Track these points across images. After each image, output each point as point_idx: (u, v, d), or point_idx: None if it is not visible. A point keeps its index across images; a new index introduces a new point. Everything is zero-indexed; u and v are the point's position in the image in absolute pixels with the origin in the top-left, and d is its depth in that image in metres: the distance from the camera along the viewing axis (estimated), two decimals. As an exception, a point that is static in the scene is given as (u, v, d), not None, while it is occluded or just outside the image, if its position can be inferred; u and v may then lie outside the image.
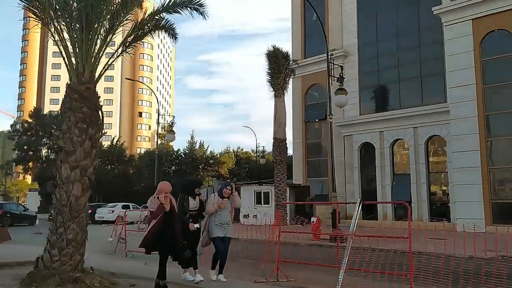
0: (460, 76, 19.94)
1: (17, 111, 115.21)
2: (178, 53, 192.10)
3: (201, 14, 9.66)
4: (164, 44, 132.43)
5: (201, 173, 62.39)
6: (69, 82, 8.24)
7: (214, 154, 65.43)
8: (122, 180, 51.96)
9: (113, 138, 58.86)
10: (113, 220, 30.57)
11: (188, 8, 9.60)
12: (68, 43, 8.26)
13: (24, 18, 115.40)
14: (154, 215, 6.30)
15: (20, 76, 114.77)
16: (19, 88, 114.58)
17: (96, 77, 8.58)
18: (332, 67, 16.99)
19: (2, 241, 17.07)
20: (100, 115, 8.32)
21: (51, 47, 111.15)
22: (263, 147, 45.86)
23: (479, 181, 18.92)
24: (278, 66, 23.21)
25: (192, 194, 7.21)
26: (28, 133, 48.12)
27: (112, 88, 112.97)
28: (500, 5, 18.97)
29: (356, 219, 6.84)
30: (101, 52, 8.54)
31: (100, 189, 50.12)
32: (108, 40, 8.68)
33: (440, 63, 22.58)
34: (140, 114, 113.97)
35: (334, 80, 16.45)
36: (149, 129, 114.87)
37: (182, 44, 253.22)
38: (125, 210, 26.16)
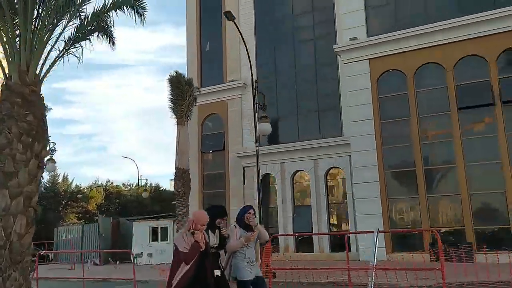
0: (358, 112, 21.26)
1: None
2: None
3: (141, 17, 8.58)
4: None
5: (65, 209, 56.10)
6: (7, 82, 6.24)
7: (81, 188, 59.60)
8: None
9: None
10: None
11: (131, 8, 8.38)
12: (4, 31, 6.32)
13: None
14: (187, 258, 4.56)
15: None
16: None
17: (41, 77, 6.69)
18: (255, 94, 16.54)
19: None
20: (45, 126, 6.45)
21: None
22: (146, 179, 42.60)
23: (379, 211, 20.04)
24: (182, 92, 22.01)
25: (212, 227, 5.33)
26: None
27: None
28: (393, 47, 20.93)
29: (376, 251, 6.19)
30: (50, 47, 6.72)
31: None
32: (57, 33, 6.92)
33: (337, 98, 23.93)
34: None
35: (258, 108, 15.96)
36: None
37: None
38: None
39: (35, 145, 6.05)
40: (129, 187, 70.40)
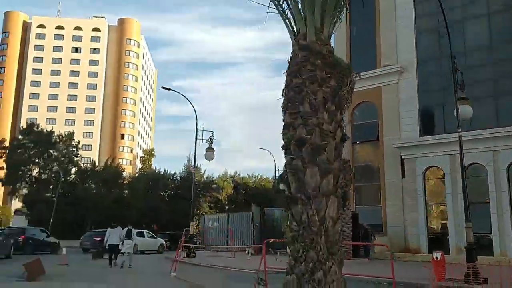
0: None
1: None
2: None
3: None
4: (148, 65, 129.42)
5: (199, 198, 58.77)
6: (300, 42, 5.38)
7: (213, 179, 62.06)
8: (116, 205, 47.77)
9: (107, 159, 54.66)
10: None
11: None
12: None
13: (1, 44, 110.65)
14: None
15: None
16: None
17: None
18: (454, 71, 14.49)
19: (36, 276, 13.48)
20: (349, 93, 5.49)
21: (29, 76, 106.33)
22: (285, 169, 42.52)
23: None
24: (342, 78, 20.74)
25: None
26: (19, 151, 43.60)
27: (94, 108, 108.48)
28: None
29: None
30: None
31: (92, 214, 45.84)
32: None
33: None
34: (122, 136, 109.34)
35: (456, 88, 13.90)
36: (131, 152, 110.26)
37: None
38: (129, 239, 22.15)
39: (337, 114, 5.10)
40: (254, 179, 71.84)
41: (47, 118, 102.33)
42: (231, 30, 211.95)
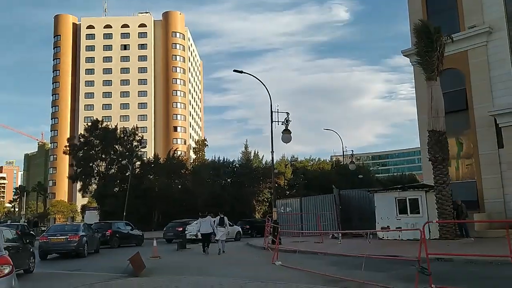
0: None
1: (51, 143, 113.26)
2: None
3: None
4: (194, 57, 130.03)
5: (260, 185, 58.19)
6: None
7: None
8: (182, 195, 48.02)
9: (169, 151, 55.09)
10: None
11: None
12: None
13: (54, 48, 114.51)
14: None
15: (52, 107, 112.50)
16: (51, 119, 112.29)
17: None
18: None
19: (139, 270, 13.04)
20: None
21: (83, 76, 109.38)
22: (352, 151, 41.08)
23: None
24: (431, 42, 19.01)
25: None
26: (86, 148, 44.59)
27: (146, 103, 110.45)
28: None
29: None
30: None
31: (160, 205, 46.32)
32: None
33: None
34: (175, 129, 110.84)
35: None
36: (184, 143, 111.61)
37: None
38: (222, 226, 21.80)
39: None
40: (311, 162, 70.45)
41: (103, 116, 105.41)
42: (268, 16, 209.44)
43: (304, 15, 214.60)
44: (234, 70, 22.11)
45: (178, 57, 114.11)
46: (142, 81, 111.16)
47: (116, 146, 45.40)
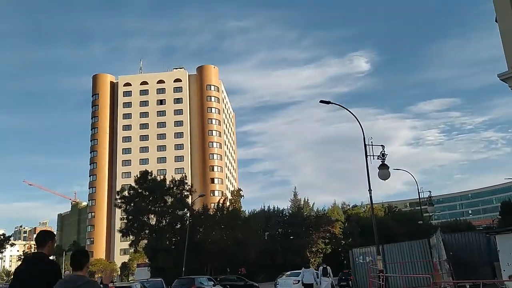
0: None
1: (88, 200, 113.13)
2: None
3: None
4: (227, 109, 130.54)
5: (312, 234, 54.81)
6: None
7: (325, 212, 58.04)
8: (235, 247, 45.04)
9: (219, 200, 52.69)
10: None
11: None
12: None
13: (92, 106, 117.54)
14: None
15: (90, 164, 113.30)
16: (89, 176, 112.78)
17: None
18: None
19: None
20: None
21: (120, 132, 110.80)
22: (430, 191, 37.93)
23: None
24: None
25: None
26: (136, 199, 42.74)
27: (183, 156, 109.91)
28: None
29: None
30: None
31: (213, 258, 43.37)
32: None
33: None
34: (212, 180, 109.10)
35: None
36: (222, 195, 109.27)
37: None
38: (325, 276, 19.43)
39: None
40: (363, 208, 66.75)
41: (139, 171, 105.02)
42: (290, 71, 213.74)
43: (325, 68, 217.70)
44: (321, 101, 20.03)
45: (213, 109, 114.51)
46: (178, 134, 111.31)
47: (166, 198, 43.44)
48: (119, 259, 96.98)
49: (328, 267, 21.89)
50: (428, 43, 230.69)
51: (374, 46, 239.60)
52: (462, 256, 21.86)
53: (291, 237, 53.27)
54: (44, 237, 4.98)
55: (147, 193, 42.95)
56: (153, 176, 44.61)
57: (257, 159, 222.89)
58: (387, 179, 19.88)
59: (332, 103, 20.30)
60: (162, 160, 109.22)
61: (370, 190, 19.43)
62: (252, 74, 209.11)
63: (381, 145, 20.10)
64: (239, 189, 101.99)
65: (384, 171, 19.75)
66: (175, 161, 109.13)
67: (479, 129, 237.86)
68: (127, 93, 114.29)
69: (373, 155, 19.74)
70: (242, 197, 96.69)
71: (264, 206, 55.96)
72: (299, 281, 24.19)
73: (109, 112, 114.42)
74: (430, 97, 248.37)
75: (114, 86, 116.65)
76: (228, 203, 55.23)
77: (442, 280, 20.35)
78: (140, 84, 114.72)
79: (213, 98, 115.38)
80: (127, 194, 43.02)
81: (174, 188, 44.46)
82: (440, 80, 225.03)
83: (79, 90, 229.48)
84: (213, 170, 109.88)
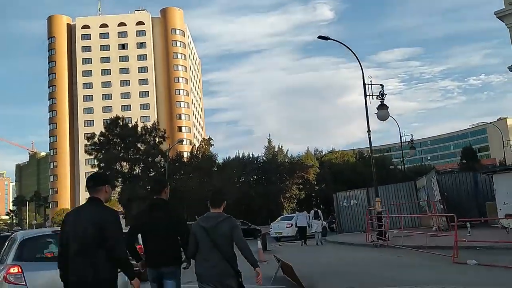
0: None
1: (50, 149, 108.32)
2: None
3: None
4: (193, 55, 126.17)
5: (286, 181, 54.73)
6: None
7: (299, 159, 57.79)
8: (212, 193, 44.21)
9: (192, 147, 51.14)
10: (293, 235, 24.54)
11: None
12: None
13: (49, 50, 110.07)
14: None
15: (49, 112, 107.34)
16: (49, 124, 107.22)
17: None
18: None
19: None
20: None
21: (80, 78, 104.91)
22: (412, 135, 37.91)
23: None
24: None
25: None
26: (107, 147, 40.67)
27: (148, 103, 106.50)
28: None
29: None
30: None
31: (191, 205, 42.61)
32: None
33: None
34: (180, 129, 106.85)
35: None
36: (190, 143, 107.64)
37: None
38: (316, 219, 19.13)
39: None
40: (335, 155, 67.16)
41: (103, 119, 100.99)
42: (253, 18, 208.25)
43: (289, 15, 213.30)
44: (319, 37, 18.66)
45: (179, 55, 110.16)
46: (143, 81, 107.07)
47: (139, 144, 41.60)
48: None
49: (319, 210, 22.25)
50: None
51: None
52: (453, 197, 21.89)
53: (266, 184, 53.10)
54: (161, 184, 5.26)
55: (118, 140, 40.91)
56: (124, 123, 42.39)
57: (221, 109, 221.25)
58: (386, 119, 19.16)
59: (331, 39, 18.93)
60: (126, 108, 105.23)
61: (369, 131, 18.61)
62: (215, 20, 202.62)
63: (380, 85, 19.19)
64: (209, 138, 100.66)
65: (383, 111, 18.96)
66: (140, 109, 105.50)
67: (436, 78, 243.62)
68: (86, 36, 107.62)
69: (372, 95, 18.82)
70: (212, 146, 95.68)
71: (238, 154, 55.05)
72: (292, 224, 24.95)
73: (67, 57, 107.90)
74: (392, 46, 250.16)
75: (71, 29, 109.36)
76: (197, 152, 53.83)
77: (434, 221, 20.34)
78: (100, 26, 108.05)
79: (178, 43, 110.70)
80: (97, 141, 40.78)
81: (147, 134, 42.57)
82: (402, 30, 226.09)
83: (32, 35, 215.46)
84: (180, 118, 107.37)
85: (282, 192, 53.88)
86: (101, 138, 41.02)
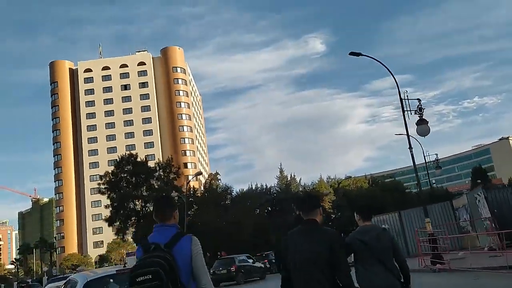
0: None
1: (55, 194, 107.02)
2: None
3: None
4: (194, 91, 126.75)
5: (302, 210, 53.29)
6: None
7: (313, 187, 56.49)
8: (230, 228, 42.71)
9: (206, 181, 49.92)
10: None
11: None
12: None
13: (52, 95, 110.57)
14: None
15: (54, 156, 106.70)
16: (54, 169, 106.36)
17: None
18: None
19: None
20: None
21: (84, 121, 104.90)
22: (437, 154, 36.74)
23: None
24: None
25: None
26: (120, 185, 39.52)
27: (152, 142, 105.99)
28: None
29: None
30: None
31: (208, 241, 41.01)
32: None
33: None
34: (186, 165, 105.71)
35: None
36: (196, 180, 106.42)
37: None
38: None
39: None
40: (348, 181, 65.85)
41: (108, 160, 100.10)
42: (247, 55, 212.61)
43: (282, 50, 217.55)
44: (351, 53, 17.98)
45: (181, 92, 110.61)
46: (146, 120, 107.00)
47: (152, 181, 40.50)
48: (93, 252, 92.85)
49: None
50: (379, 21, 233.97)
51: (328, 26, 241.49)
52: (503, 214, 20.63)
53: (281, 215, 51.57)
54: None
55: (130, 177, 39.83)
56: (135, 160, 41.40)
57: (220, 145, 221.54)
58: (426, 135, 18.24)
59: (363, 55, 18.27)
60: (131, 147, 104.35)
61: (410, 147, 17.67)
62: (211, 60, 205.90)
63: (417, 99, 18.36)
64: (217, 173, 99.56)
65: (422, 127, 18.06)
66: (145, 148, 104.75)
67: (431, 103, 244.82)
68: (88, 79, 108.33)
69: (410, 110, 17.96)
70: (219, 181, 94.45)
71: (251, 186, 53.85)
72: None
73: (70, 101, 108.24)
74: (384, 75, 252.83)
75: (73, 73, 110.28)
76: (210, 185, 52.59)
77: (486, 240, 19.04)
78: (102, 69, 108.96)
79: (180, 81, 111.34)
80: (109, 179, 39.67)
81: (160, 170, 41.54)
82: (392, 57, 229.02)
83: (31, 83, 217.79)
84: (185, 154, 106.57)
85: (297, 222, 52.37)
86: (113, 177, 39.95)
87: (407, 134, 17.64)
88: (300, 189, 56.49)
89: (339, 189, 59.73)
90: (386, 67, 18.62)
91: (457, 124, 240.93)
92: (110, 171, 40.52)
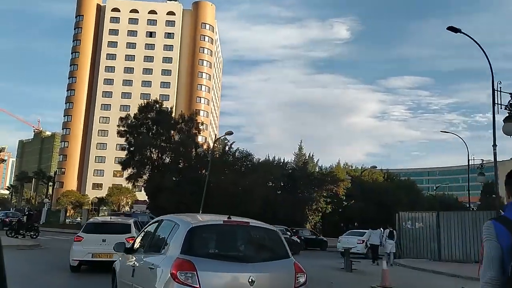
0: None
1: (62, 128, 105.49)
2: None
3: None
4: (218, 52, 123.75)
5: (314, 192, 51.67)
6: None
7: (331, 170, 54.80)
8: (244, 196, 41.15)
9: (225, 145, 48.14)
10: (362, 252, 22.50)
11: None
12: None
13: (75, 28, 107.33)
14: None
15: (67, 91, 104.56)
16: (66, 103, 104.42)
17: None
18: None
19: None
20: None
21: (104, 61, 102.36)
22: (482, 160, 34.97)
23: None
24: None
25: None
26: (140, 130, 37.81)
27: (168, 95, 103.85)
28: None
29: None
30: None
31: (220, 205, 39.65)
32: None
33: None
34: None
35: None
36: (205, 141, 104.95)
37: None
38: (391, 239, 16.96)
39: None
40: (363, 171, 64.17)
41: (120, 105, 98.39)
42: (270, 28, 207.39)
43: (305, 29, 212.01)
44: (448, 28, 15.86)
45: (205, 50, 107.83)
46: (166, 72, 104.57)
47: (173, 132, 38.75)
48: (91, 193, 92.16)
49: (394, 230, 21.92)
50: (409, 19, 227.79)
51: (357, 14, 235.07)
52: None
53: (293, 192, 50.08)
54: None
55: (154, 126, 38.06)
56: (160, 108, 39.51)
57: (225, 113, 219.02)
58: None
59: (462, 33, 16.15)
60: (146, 96, 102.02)
61: (494, 145, 15.79)
62: (233, 25, 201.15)
63: (510, 93, 16.33)
64: (229, 135, 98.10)
65: (510, 125, 16.08)
66: (159, 99, 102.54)
67: (443, 111, 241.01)
68: (115, 20, 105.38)
69: (501, 104, 15.98)
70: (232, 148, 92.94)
71: (268, 157, 52.13)
72: (363, 241, 23.94)
73: (93, 38, 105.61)
74: (402, 73, 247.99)
75: (100, 10, 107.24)
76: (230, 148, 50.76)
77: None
78: (130, 11, 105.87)
79: (206, 38, 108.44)
80: (130, 123, 37.91)
81: (183, 123, 39.73)
82: (415, 58, 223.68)
83: (56, 16, 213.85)
84: (199, 114, 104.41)
85: (308, 202, 50.88)
86: (135, 121, 38.19)
87: (494, 130, 15.71)
88: (317, 169, 54.79)
89: (356, 178, 58.07)
90: (483, 51, 16.50)
91: (465, 136, 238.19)
92: (113, 118, 38.65)
